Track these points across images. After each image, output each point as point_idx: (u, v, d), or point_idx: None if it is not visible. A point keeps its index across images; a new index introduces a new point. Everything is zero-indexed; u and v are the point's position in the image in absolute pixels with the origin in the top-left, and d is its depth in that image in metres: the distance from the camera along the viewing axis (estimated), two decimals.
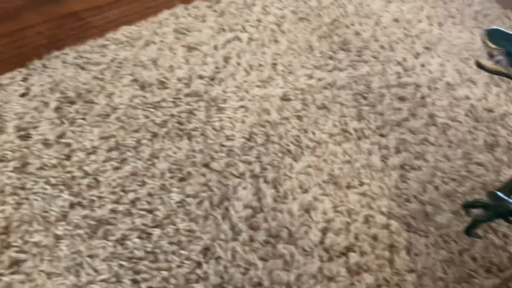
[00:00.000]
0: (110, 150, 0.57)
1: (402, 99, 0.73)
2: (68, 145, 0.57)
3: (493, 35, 0.43)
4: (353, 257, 0.54)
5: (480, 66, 0.44)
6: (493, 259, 0.56)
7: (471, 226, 0.54)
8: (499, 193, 0.52)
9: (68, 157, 0.56)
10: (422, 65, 0.79)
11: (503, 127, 0.72)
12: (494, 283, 0.54)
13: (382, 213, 0.59)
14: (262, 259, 0.53)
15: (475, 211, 0.58)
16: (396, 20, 0.86)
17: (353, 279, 0.52)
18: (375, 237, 0.56)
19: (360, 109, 0.70)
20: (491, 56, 0.44)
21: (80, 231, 0.51)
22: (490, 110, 0.73)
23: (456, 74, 0.78)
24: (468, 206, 0.57)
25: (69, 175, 0.54)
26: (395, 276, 0.53)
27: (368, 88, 0.73)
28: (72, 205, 0.52)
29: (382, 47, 0.80)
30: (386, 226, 0.58)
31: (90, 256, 0.50)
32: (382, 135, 0.68)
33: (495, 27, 0.45)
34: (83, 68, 0.65)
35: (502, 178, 0.65)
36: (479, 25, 0.93)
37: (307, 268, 0.52)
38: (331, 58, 0.76)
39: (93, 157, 0.57)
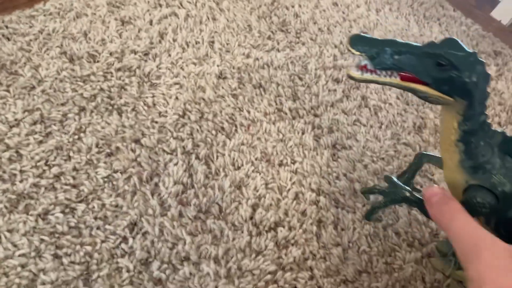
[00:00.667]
0: (34, 123, 0.55)
1: (337, 81, 0.75)
2: None
3: (355, 42, 0.43)
4: (282, 232, 0.55)
5: (350, 77, 0.45)
6: (415, 234, 0.59)
7: (369, 212, 0.57)
8: (394, 178, 0.54)
9: None
10: None
11: (431, 110, 0.75)
12: (416, 257, 0.57)
13: (312, 190, 0.60)
14: (191, 234, 0.52)
15: (373, 196, 0.61)
16: (335, 4, 0.87)
17: (281, 253, 0.53)
18: (304, 213, 0.57)
19: (296, 89, 0.71)
20: (360, 67, 0.45)
21: None
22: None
23: None
24: (366, 192, 0.59)
25: None
26: (321, 250, 0.54)
27: (305, 69, 0.74)
28: None
29: (320, 29, 0.81)
30: (315, 203, 0.59)
31: (9, 231, 0.48)
32: (316, 115, 0.69)
33: (355, 33, 0.47)
34: (8, 39, 0.62)
35: None
36: (415, 12, 0.96)
37: (235, 242, 0.53)
38: (269, 38, 0.76)
39: (15, 130, 0.54)
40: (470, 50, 0.44)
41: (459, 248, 0.38)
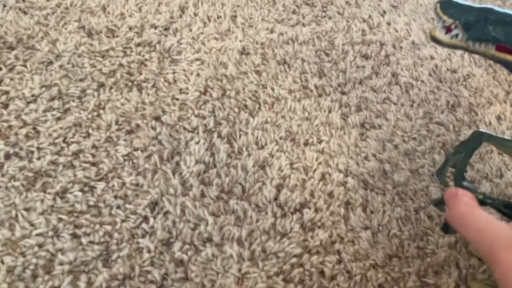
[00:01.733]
0: (52, 99, 0.53)
1: (365, 57, 0.71)
2: (5, 92, 0.52)
3: (447, 7, 0.40)
4: (308, 214, 0.52)
5: (434, 40, 0.41)
6: None
7: (446, 224, 0.47)
8: (465, 183, 0.45)
9: (5, 106, 0.52)
10: (388, 23, 0.77)
11: (465, 88, 0.71)
12: (450, 241, 0.54)
13: (340, 171, 0.57)
14: (213, 214, 0.50)
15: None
16: None
17: (306, 235, 0.51)
18: (331, 195, 0.55)
19: (322, 65, 0.67)
20: (447, 29, 0.41)
21: (16, 183, 0.47)
22: (453, 71, 0.72)
23: (421, 34, 0.76)
24: (438, 203, 0.50)
25: (5, 124, 0.50)
26: (349, 233, 0.52)
27: (332, 44, 0.71)
28: (8, 156, 0.49)
29: (347, 3, 0.77)
30: (343, 184, 0.56)
31: (27, 210, 0.46)
32: (343, 93, 0.65)
33: None
34: (25, 13, 0.60)
35: (462, 138, 0.64)
36: None
37: (259, 224, 0.51)
38: (294, 12, 0.73)
39: (32, 106, 0.52)
40: None
41: (478, 248, 0.34)
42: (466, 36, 0.40)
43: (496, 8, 0.40)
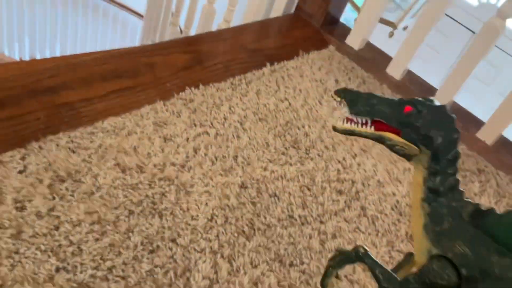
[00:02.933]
0: (92, 223, 0.68)
1: (340, 192, 0.88)
2: (57, 217, 0.67)
3: (340, 91, 0.48)
4: None
5: (333, 128, 0.49)
6: None
7: (324, 276, 0.59)
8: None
9: (56, 228, 0.66)
10: (358, 164, 0.95)
11: None
12: None
13: None
14: None
15: None
16: None
17: None
18: None
19: (304, 199, 0.84)
20: (345, 120, 0.48)
21: None
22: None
23: (386, 174, 0.94)
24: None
25: (56, 243, 0.64)
26: None
27: (313, 181, 0.88)
28: (58, 269, 0.62)
29: (326, 147, 0.96)
30: None
31: None
32: (321, 222, 0.81)
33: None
34: (74, 152, 0.76)
35: None
36: None
37: None
38: (283, 153, 0.91)
39: (78, 228, 0.67)
40: (439, 104, 0.47)
41: None
42: (349, 111, 0.47)
43: (379, 95, 0.48)
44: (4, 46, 3.44)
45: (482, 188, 1.00)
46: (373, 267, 0.50)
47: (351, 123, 0.48)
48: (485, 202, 0.96)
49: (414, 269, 0.50)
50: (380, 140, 0.47)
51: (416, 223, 0.49)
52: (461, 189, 0.47)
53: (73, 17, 3.54)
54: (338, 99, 0.48)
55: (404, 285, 0.47)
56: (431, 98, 0.48)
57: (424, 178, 0.46)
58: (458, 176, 0.47)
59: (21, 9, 3.33)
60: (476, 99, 2.97)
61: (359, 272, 0.74)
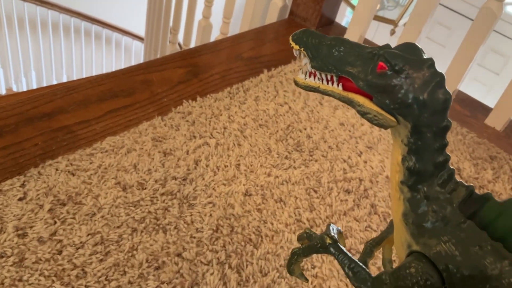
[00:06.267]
0: (95, 244, 0.67)
1: (348, 191, 0.86)
2: (59, 241, 0.66)
3: (299, 36, 0.38)
4: None
5: (295, 83, 0.40)
6: None
7: (289, 262, 0.48)
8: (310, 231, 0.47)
9: (59, 252, 0.65)
10: (365, 162, 0.93)
11: None
12: None
13: None
14: None
15: None
16: (342, 124, 1.01)
17: None
18: None
19: (311, 201, 0.82)
20: (309, 73, 0.39)
21: None
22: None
23: None
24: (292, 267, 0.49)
25: (60, 267, 0.63)
26: None
27: (319, 183, 0.86)
28: None
29: (330, 147, 0.94)
30: None
31: None
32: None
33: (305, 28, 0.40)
34: (73, 174, 0.76)
35: None
36: None
37: None
38: (286, 158, 0.90)
39: (81, 251, 0.66)
40: (428, 57, 0.36)
41: None
42: (310, 64, 0.38)
43: (348, 40, 0.37)
44: (12, 81, 3.50)
45: (495, 175, 0.97)
46: (342, 261, 0.42)
47: (314, 78, 0.38)
48: (499, 189, 0.93)
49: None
50: (349, 103, 0.37)
51: (395, 209, 0.39)
52: (451, 168, 0.37)
53: (78, 46, 3.59)
54: (297, 48, 0.38)
55: (377, 285, 0.38)
56: (415, 45, 0.36)
57: (403, 156, 0.36)
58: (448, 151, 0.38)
59: (25, 43, 3.39)
60: (487, 90, 2.93)
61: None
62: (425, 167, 0.36)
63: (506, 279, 0.32)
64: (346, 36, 1.34)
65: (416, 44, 0.36)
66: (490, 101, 1.27)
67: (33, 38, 3.41)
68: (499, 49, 2.87)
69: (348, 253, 0.43)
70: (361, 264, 0.41)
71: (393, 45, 0.38)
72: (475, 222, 0.36)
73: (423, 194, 0.37)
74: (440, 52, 2.95)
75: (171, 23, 1.97)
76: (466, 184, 0.37)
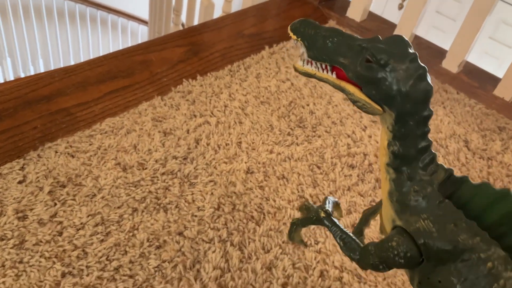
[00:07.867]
0: (96, 225, 0.67)
1: (352, 166, 0.84)
2: (60, 223, 0.66)
3: (297, 26, 0.40)
4: None
5: (294, 68, 0.43)
6: None
7: (290, 230, 0.56)
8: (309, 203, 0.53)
9: (60, 233, 0.65)
10: (369, 136, 0.91)
11: None
12: None
13: (336, 267, 0.68)
14: None
15: None
16: (346, 99, 0.99)
17: None
18: None
19: (315, 177, 0.81)
20: (307, 61, 0.42)
21: None
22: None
23: None
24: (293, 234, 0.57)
25: (61, 248, 0.63)
26: None
27: (322, 158, 0.85)
28: (63, 275, 0.61)
29: (333, 122, 0.92)
30: (339, 279, 0.66)
31: None
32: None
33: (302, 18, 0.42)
34: (73, 156, 0.75)
35: None
36: None
37: None
38: (289, 134, 0.88)
39: (81, 232, 0.65)
40: (412, 51, 0.38)
41: None
42: (306, 54, 0.40)
43: (342, 31, 0.40)
44: (20, 70, 3.51)
45: (504, 146, 0.95)
46: (334, 232, 0.48)
47: (311, 65, 0.41)
48: (508, 160, 0.91)
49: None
50: (342, 91, 0.41)
51: (383, 188, 0.43)
52: (433, 152, 0.41)
53: (84, 33, 3.58)
54: (294, 38, 0.40)
55: (364, 254, 0.44)
56: (401, 38, 0.39)
57: (388, 142, 0.40)
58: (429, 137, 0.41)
59: (32, 32, 3.39)
60: (499, 63, 2.87)
61: None
62: (408, 152, 0.40)
63: (476, 254, 0.36)
64: (349, 9, 1.30)
65: (403, 37, 0.39)
66: (502, 75, 1.24)
67: (39, 26, 3.40)
68: (510, 22, 2.79)
69: (340, 225, 0.49)
70: (351, 235, 0.47)
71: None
72: (452, 202, 0.39)
73: (407, 176, 0.40)
74: (451, 26, 2.88)
75: (173, 3, 1.95)
76: (446, 167, 0.41)
